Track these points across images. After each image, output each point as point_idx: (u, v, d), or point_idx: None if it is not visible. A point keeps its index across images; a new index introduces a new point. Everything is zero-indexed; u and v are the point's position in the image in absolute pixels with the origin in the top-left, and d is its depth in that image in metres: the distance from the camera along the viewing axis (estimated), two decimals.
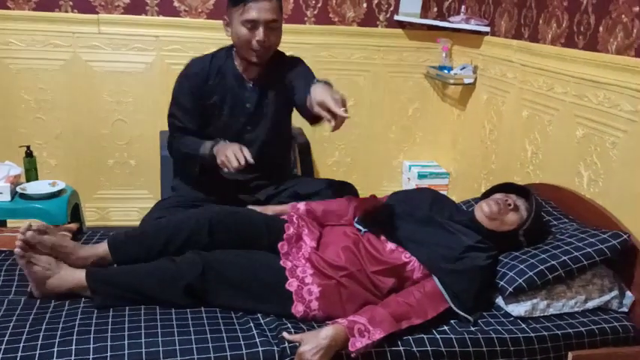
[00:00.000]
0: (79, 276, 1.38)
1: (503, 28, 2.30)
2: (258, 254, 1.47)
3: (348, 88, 2.77)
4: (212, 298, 1.38)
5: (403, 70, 2.80)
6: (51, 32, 2.47)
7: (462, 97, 2.65)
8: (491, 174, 2.39)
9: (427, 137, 2.93)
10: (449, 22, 2.52)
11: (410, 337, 1.32)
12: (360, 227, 1.56)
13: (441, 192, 2.73)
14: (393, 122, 2.87)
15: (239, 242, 1.48)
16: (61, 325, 1.28)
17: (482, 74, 2.45)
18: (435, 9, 2.73)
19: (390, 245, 1.46)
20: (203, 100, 1.77)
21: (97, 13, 2.48)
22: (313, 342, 1.23)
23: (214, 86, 1.77)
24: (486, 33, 2.40)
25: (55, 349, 1.19)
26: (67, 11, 2.46)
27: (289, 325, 1.34)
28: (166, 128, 1.84)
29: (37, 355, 1.18)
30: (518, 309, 1.44)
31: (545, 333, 1.39)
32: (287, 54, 1.84)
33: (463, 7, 2.60)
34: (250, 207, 1.69)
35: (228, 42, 1.77)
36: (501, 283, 1.44)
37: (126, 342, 1.23)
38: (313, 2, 2.63)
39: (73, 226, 1.79)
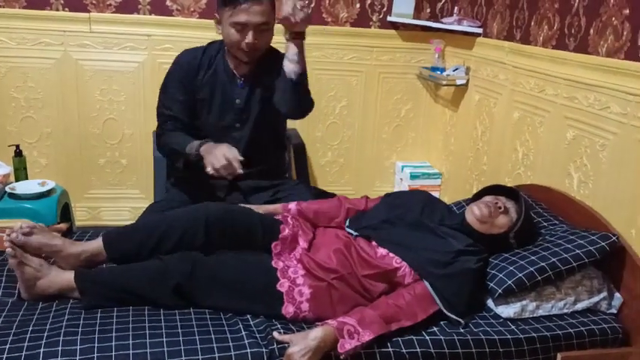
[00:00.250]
0: (68, 277, 1.38)
1: (496, 30, 2.31)
2: (249, 254, 1.46)
3: (340, 89, 2.77)
4: (201, 298, 1.37)
5: (396, 70, 2.80)
6: (42, 30, 2.45)
7: (455, 98, 2.66)
8: (482, 175, 2.39)
9: (420, 138, 2.93)
10: (442, 23, 2.53)
11: (399, 339, 1.32)
12: (352, 232, 1.56)
13: (434, 193, 2.76)
14: (386, 123, 2.87)
15: (235, 240, 1.48)
16: (48, 327, 1.27)
17: (474, 75, 2.45)
18: (428, 10, 2.73)
19: (381, 250, 1.46)
20: (193, 93, 1.75)
21: (89, 11, 2.46)
22: (302, 343, 1.23)
23: (204, 80, 1.75)
24: (479, 34, 2.41)
25: (42, 350, 1.18)
26: (57, 9, 2.44)
27: (279, 326, 1.33)
28: None
29: (22, 357, 1.17)
30: (507, 310, 1.44)
31: (534, 334, 1.39)
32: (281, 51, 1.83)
33: (456, 8, 2.61)
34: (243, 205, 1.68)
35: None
36: (491, 284, 1.45)
37: (113, 343, 1.22)
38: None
39: (63, 226, 1.78)
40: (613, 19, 1.63)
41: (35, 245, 1.39)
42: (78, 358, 1.17)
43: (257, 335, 1.29)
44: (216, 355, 1.22)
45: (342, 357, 1.25)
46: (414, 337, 1.33)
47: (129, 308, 1.35)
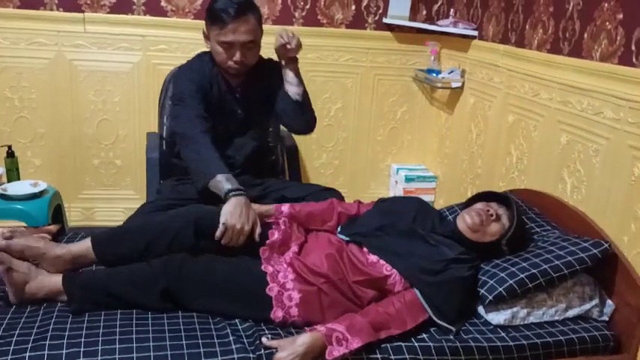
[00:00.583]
0: (55, 280, 1.37)
1: (491, 33, 2.30)
2: (238, 258, 1.46)
3: (335, 91, 2.76)
4: (189, 301, 1.36)
5: (391, 72, 2.79)
6: (36, 30, 2.44)
7: (450, 101, 2.65)
8: (477, 178, 2.39)
9: (415, 140, 2.92)
10: (437, 25, 2.52)
11: (388, 345, 1.32)
12: (344, 237, 1.55)
13: (428, 195, 2.76)
14: (381, 125, 2.86)
15: (223, 245, 1.46)
16: (34, 331, 1.26)
17: (469, 78, 2.44)
18: (424, 12, 2.72)
19: (372, 257, 1.45)
20: (206, 102, 1.75)
21: (83, 11, 2.45)
22: (290, 349, 1.23)
23: (214, 93, 1.78)
24: (474, 37, 2.40)
25: (27, 354, 1.17)
26: (52, 9, 2.43)
27: (267, 331, 1.32)
28: (152, 129, 1.82)
29: None
30: (498, 317, 1.43)
31: (525, 342, 1.38)
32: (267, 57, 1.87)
33: (452, 10, 2.59)
34: None
35: None
36: (482, 291, 1.44)
37: (99, 348, 1.21)
38: (302, 4, 2.62)
39: (53, 227, 1.77)
40: (607, 23, 1.62)
41: (18, 249, 1.38)
42: None
43: (245, 340, 1.28)
44: None
45: None
46: (402, 344, 1.32)
47: (116, 312, 1.34)
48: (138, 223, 1.59)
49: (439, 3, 2.72)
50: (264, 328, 1.33)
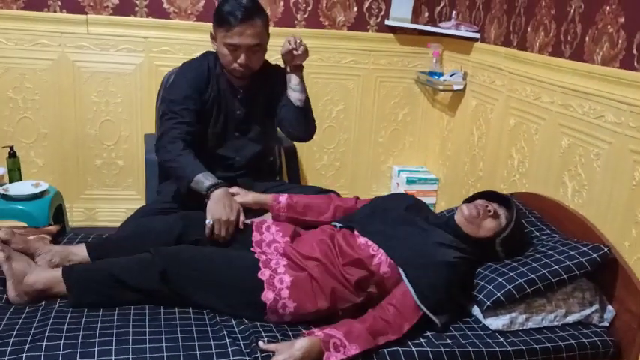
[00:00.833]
0: (54, 271, 1.40)
1: (493, 35, 2.29)
2: (234, 248, 1.51)
3: (337, 93, 2.76)
4: (186, 283, 1.38)
5: (393, 74, 2.78)
6: (39, 32, 2.45)
7: (452, 103, 2.64)
8: (478, 181, 2.38)
9: (417, 143, 2.91)
10: (440, 27, 2.51)
11: (385, 351, 1.31)
12: (337, 224, 1.58)
13: (430, 198, 2.75)
14: (383, 127, 2.86)
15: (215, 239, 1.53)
16: (32, 331, 1.26)
17: (471, 81, 2.44)
18: (427, 14, 2.71)
19: (361, 239, 1.48)
20: (201, 104, 1.76)
21: (86, 13, 2.47)
22: (287, 352, 1.23)
23: (211, 94, 1.79)
24: (476, 39, 2.39)
25: (24, 355, 1.18)
26: (55, 11, 2.45)
27: (263, 333, 1.32)
28: (150, 131, 1.83)
29: None
30: (496, 322, 1.42)
31: (523, 347, 1.37)
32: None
33: (454, 12, 2.59)
34: (234, 189, 1.66)
35: None
36: (480, 296, 1.43)
37: (96, 349, 1.22)
38: (304, 6, 2.62)
39: (53, 228, 1.78)
40: (609, 26, 1.60)
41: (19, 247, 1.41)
42: None
43: (241, 342, 1.28)
44: None
45: None
46: (399, 349, 1.32)
47: (114, 312, 1.35)
48: (130, 233, 1.60)
49: (441, 5, 2.71)
50: (260, 330, 1.33)
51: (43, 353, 1.19)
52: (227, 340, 1.28)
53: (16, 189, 2.06)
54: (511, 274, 1.43)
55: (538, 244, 1.58)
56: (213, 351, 1.25)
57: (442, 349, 1.33)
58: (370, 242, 1.46)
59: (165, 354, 1.22)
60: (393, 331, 1.33)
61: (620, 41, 1.56)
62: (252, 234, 1.55)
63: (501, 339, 1.39)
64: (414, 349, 1.32)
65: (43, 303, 1.38)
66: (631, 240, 1.49)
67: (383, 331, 1.32)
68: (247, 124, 1.84)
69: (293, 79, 1.78)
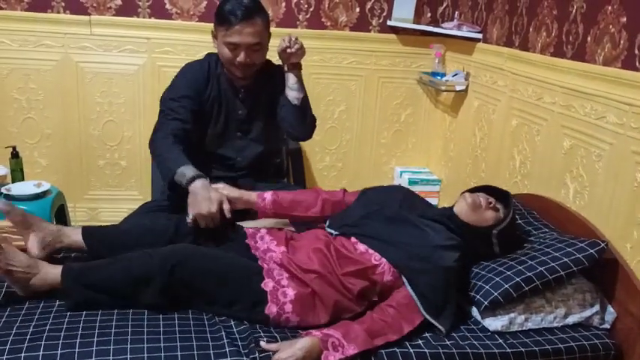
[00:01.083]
0: (56, 274, 1.38)
1: (495, 36, 2.28)
2: (237, 255, 1.48)
3: (339, 93, 2.76)
4: (186, 292, 1.36)
5: (396, 75, 2.77)
6: (43, 33, 2.47)
7: (454, 104, 2.63)
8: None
9: (419, 143, 2.90)
10: (442, 28, 2.50)
11: (383, 352, 1.30)
12: (332, 231, 1.55)
13: (432, 199, 2.74)
14: (385, 128, 2.85)
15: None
16: (31, 330, 1.27)
17: (473, 81, 2.42)
18: (429, 14, 2.70)
19: (361, 247, 1.46)
20: (201, 104, 1.76)
21: (89, 14, 2.48)
22: (289, 351, 1.23)
23: (211, 94, 1.79)
24: (478, 40, 2.38)
25: (23, 355, 1.18)
26: (59, 12, 2.46)
27: (262, 334, 1.32)
28: None
29: None
30: (495, 323, 1.41)
31: (523, 349, 1.36)
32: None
33: (456, 13, 2.58)
34: (220, 185, 1.62)
35: None
36: (477, 296, 1.42)
37: (94, 349, 1.22)
38: (305, 6, 2.62)
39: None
40: (610, 27, 1.59)
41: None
42: None
43: (239, 344, 1.28)
44: None
45: None
46: (397, 350, 1.31)
47: (113, 313, 1.35)
48: (130, 231, 1.58)
49: (444, 5, 2.70)
50: (259, 331, 1.33)
51: (41, 353, 1.19)
52: (225, 341, 1.28)
53: (18, 189, 2.08)
54: (508, 272, 1.42)
55: (535, 242, 1.57)
56: (211, 352, 1.24)
57: (440, 350, 1.33)
58: (371, 250, 1.44)
59: (162, 354, 1.22)
60: (393, 332, 1.32)
61: (622, 41, 1.54)
62: (247, 239, 1.54)
63: (500, 341, 1.38)
64: (411, 350, 1.32)
65: (42, 303, 1.38)
66: (633, 242, 1.48)
67: (381, 332, 1.31)
68: (249, 124, 1.85)
69: (290, 78, 1.78)
